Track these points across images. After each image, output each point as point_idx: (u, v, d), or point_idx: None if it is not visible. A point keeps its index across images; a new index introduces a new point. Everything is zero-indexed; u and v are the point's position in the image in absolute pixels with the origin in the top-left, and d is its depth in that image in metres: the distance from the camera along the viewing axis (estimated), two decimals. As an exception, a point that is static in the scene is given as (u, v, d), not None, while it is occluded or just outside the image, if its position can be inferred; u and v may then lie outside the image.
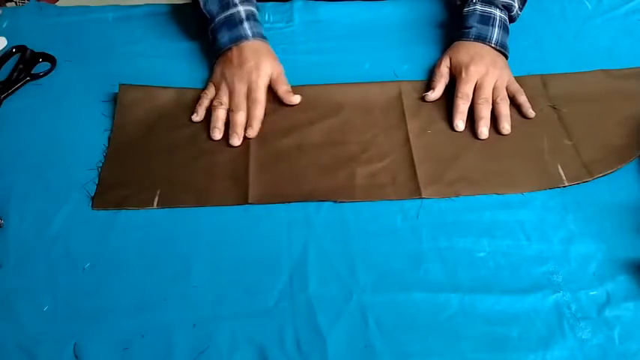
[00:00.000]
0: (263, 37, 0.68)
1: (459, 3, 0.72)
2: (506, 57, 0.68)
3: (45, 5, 0.78)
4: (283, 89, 0.65)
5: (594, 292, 0.50)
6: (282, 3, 0.78)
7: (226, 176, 0.58)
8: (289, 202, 0.56)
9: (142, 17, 0.75)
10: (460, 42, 0.69)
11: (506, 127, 0.62)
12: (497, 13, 0.68)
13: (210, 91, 0.65)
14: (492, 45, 0.67)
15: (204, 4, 0.67)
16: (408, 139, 0.61)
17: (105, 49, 0.71)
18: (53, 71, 0.69)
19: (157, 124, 0.62)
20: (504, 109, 0.63)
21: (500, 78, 0.65)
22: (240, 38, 0.66)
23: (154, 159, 0.60)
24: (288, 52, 0.71)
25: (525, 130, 0.63)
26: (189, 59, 0.70)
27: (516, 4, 0.70)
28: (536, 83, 0.68)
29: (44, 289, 0.50)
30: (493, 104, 0.63)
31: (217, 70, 0.66)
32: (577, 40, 0.74)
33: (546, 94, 0.66)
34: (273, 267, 0.51)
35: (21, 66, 0.68)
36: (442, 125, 0.63)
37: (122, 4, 0.78)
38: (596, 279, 0.51)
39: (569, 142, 0.61)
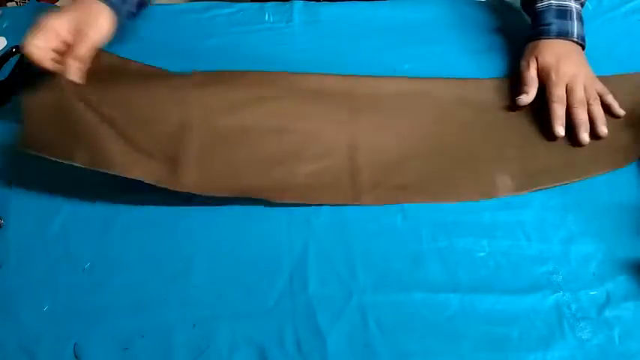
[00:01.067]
0: None
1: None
2: (584, 48, 0.66)
3: (45, 5, 0.78)
4: (75, 52, 0.58)
5: (594, 292, 0.50)
6: (282, 3, 0.78)
7: (158, 152, 0.54)
8: (225, 197, 0.54)
9: (142, 17, 0.75)
10: (541, 41, 0.66)
11: (603, 130, 0.60)
12: (573, 4, 0.66)
13: None
14: (574, 39, 0.65)
15: None
16: (355, 139, 0.59)
17: (105, 49, 0.70)
18: (53, 71, 0.69)
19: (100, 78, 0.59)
20: (599, 111, 0.61)
21: (588, 77, 0.63)
22: None
23: (86, 115, 0.55)
24: (288, 52, 0.71)
25: (479, 136, 0.61)
26: (190, 59, 0.69)
27: None
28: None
29: (44, 289, 0.50)
30: (587, 106, 0.61)
31: None
32: (577, 40, 0.74)
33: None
34: (273, 267, 0.51)
35: (21, 66, 0.68)
36: (393, 126, 0.61)
37: (122, 4, 0.78)
38: (596, 279, 0.51)
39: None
